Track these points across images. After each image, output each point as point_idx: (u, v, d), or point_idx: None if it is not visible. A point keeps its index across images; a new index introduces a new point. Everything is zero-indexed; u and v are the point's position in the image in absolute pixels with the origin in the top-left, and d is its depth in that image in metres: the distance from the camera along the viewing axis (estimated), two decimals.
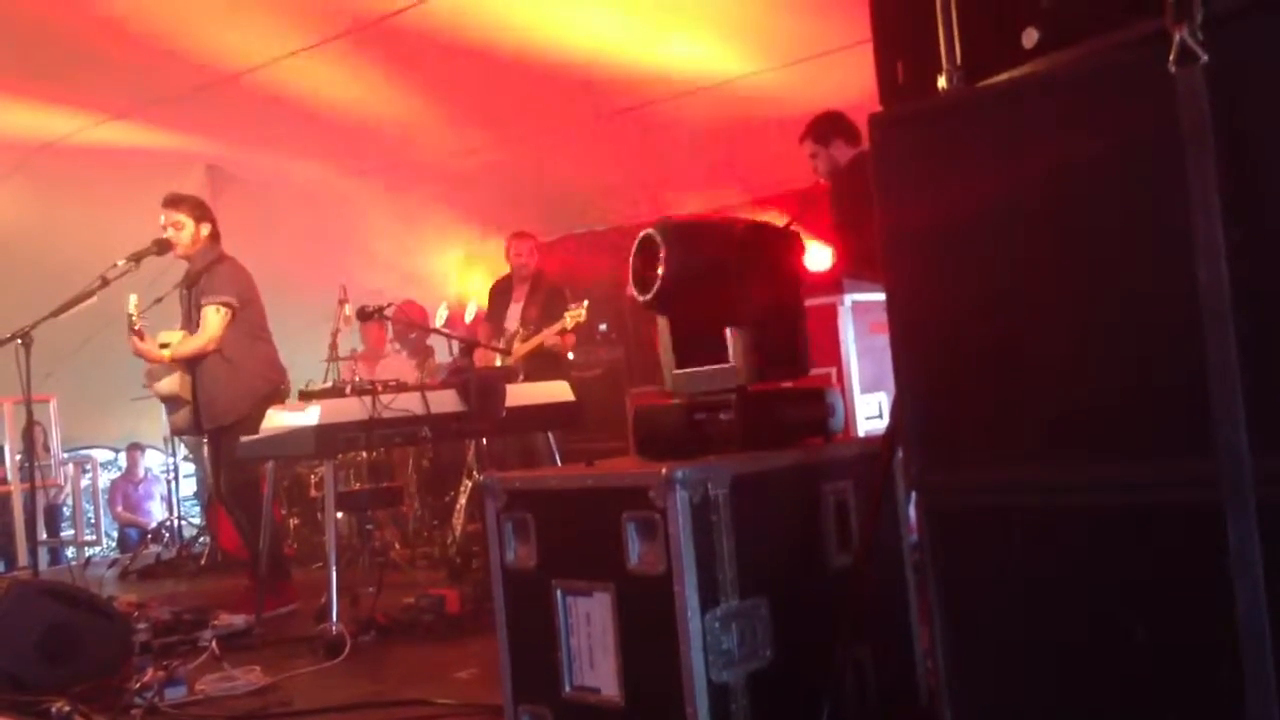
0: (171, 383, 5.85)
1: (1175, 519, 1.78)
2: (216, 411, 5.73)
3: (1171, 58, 1.69)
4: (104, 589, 6.56)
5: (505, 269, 7.70)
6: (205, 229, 5.83)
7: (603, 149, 8.04)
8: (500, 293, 7.61)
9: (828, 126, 5.38)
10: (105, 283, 5.45)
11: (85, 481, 10.72)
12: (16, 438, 9.32)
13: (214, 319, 5.67)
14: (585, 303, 6.93)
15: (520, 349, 7.01)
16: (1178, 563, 1.78)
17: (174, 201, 5.85)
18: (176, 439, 9.60)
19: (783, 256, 3.01)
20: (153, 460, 11.98)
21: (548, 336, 6.97)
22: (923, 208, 2.07)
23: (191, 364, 5.74)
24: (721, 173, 7.63)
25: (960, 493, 2.05)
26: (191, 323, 5.81)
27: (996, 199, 1.97)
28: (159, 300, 5.80)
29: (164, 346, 5.69)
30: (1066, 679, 1.92)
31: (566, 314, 6.89)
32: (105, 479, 11.75)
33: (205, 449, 6.77)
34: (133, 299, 5.51)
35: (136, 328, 5.53)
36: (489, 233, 8.64)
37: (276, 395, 5.74)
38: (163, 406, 6.78)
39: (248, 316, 5.81)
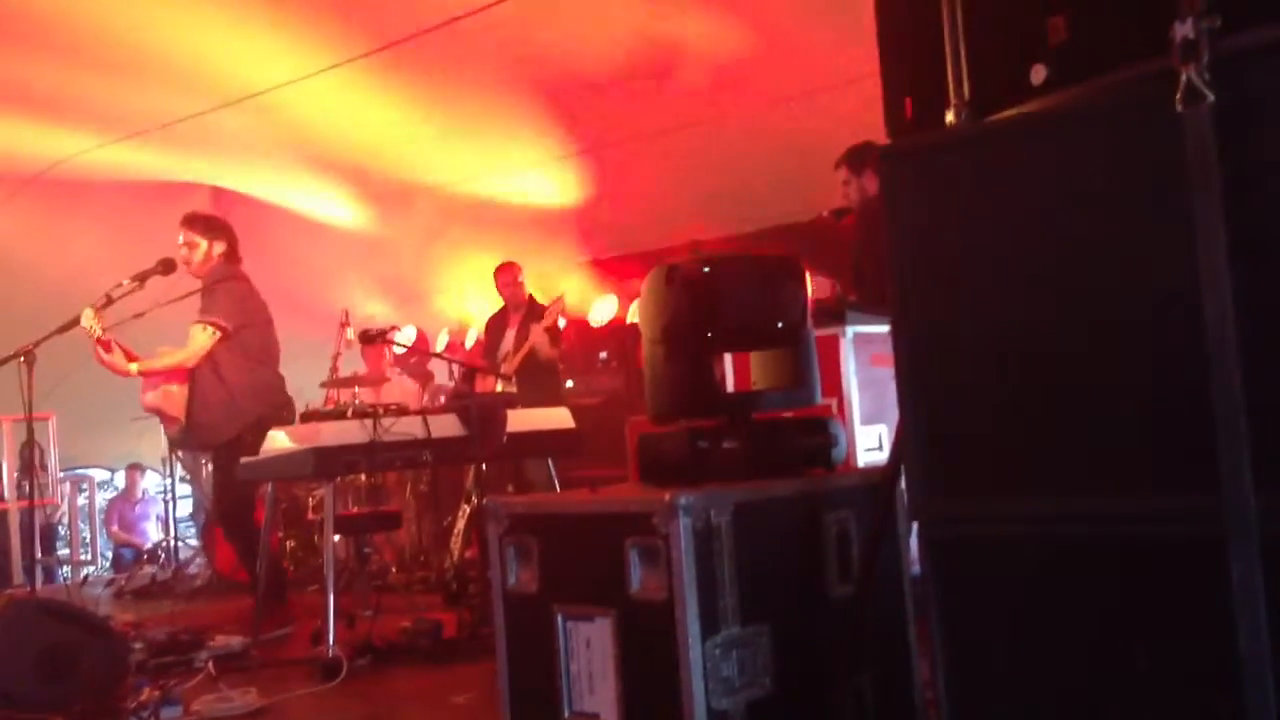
0: (155, 397, 5.82)
1: (1178, 552, 1.79)
2: (203, 432, 5.73)
3: (1178, 97, 1.71)
4: (99, 609, 6.53)
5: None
6: (218, 248, 5.84)
7: (606, 180, 8.08)
8: (495, 324, 7.69)
9: (863, 156, 5.42)
10: (110, 301, 5.46)
11: (82, 501, 10.69)
12: (15, 456, 9.31)
13: (199, 337, 5.66)
14: (561, 295, 7.01)
15: (512, 362, 7.08)
16: (1179, 596, 1.79)
17: (188, 220, 5.89)
18: (176, 460, 9.59)
19: (787, 283, 3.04)
20: (150, 481, 11.97)
21: (534, 337, 7.03)
22: (929, 241, 2.09)
23: (189, 381, 5.74)
24: (725, 204, 7.67)
25: (962, 524, 2.06)
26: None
27: (1003, 234, 2.00)
28: (140, 315, 5.76)
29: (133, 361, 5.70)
30: (1067, 711, 1.93)
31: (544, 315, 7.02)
32: (102, 499, 11.71)
33: (203, 470, 6.76)
34: (87, 312, 5.48)
35: (100, 338, 5.51)
36: (491, 260, 8.68)
37: (275, 419, 5.72)
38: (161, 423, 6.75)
39: (247, 339, 5.79)
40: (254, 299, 5.88)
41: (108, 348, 5.54)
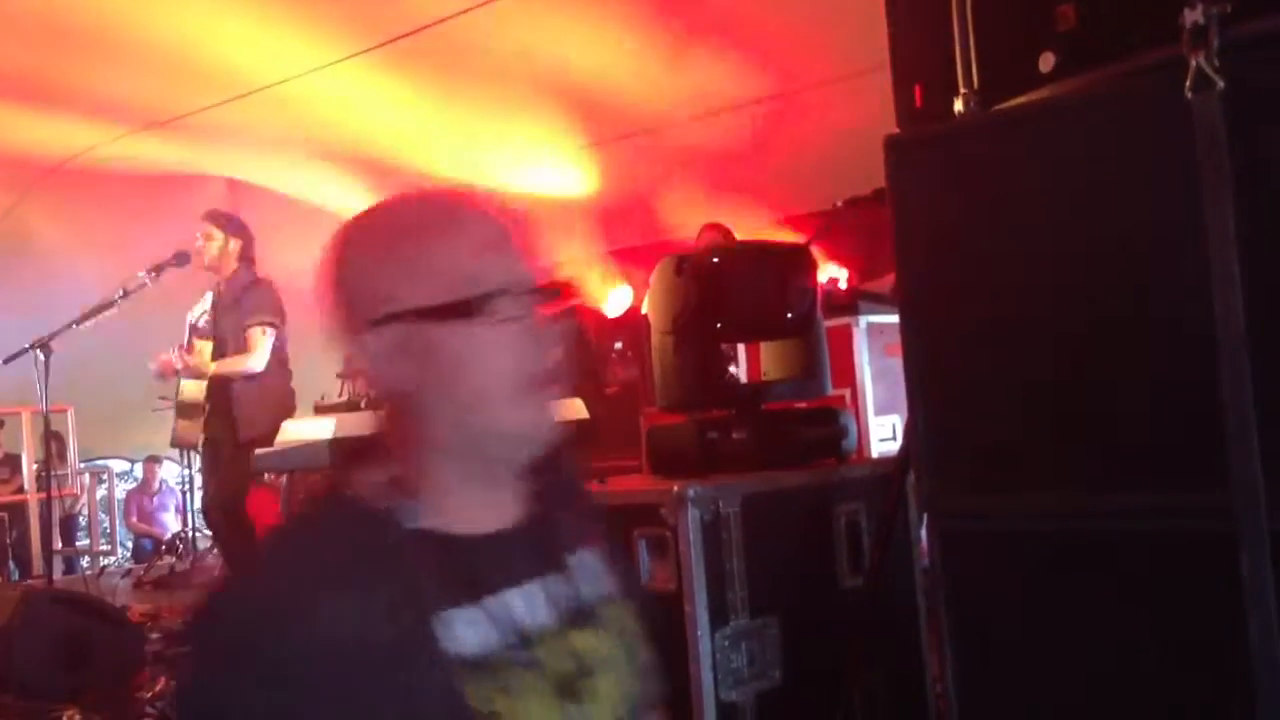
0: (199, 390, 5.83)
1: (1188, 548, 1.77)
2: (242, 427, 5.72)
3: (1188, 84, 1.69)
4: (118, 599, 6.57)
5: None
6: (235, 245, 5.83)
7: (622, 169, 8.07)
8: None
9: None
10: (125, 294, 5.48)
11: (101, 492, 10.73)
12: (35, 447, 9.36)
13: (263, 341, 5.64)
14: None
15: None
16: (1190, 592, 1.77)
17: (210, 214, 5.90)
18: (195, 453, 9.61)
19: (796, 274, 3.02)
20: (168, 472, 12.01)
21: None
22: (938, 231, 2.07)
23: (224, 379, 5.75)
24: (741, 194, 7.64)
25: (973, 517, 2.05)
26: (215, 338, 5.81)
27: (1012, 224, 1.98)
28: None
29: None
30: (1077, 707, 1.92)
31: None
32: (121, 490, 11.75)
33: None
34: (209, 296, 5.51)
35: (200, 325, 5.53)
36: None
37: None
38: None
39: (278, 343, 5.82)
40: (282, 304, 5.88)
41: (190, 348, 5.55)
